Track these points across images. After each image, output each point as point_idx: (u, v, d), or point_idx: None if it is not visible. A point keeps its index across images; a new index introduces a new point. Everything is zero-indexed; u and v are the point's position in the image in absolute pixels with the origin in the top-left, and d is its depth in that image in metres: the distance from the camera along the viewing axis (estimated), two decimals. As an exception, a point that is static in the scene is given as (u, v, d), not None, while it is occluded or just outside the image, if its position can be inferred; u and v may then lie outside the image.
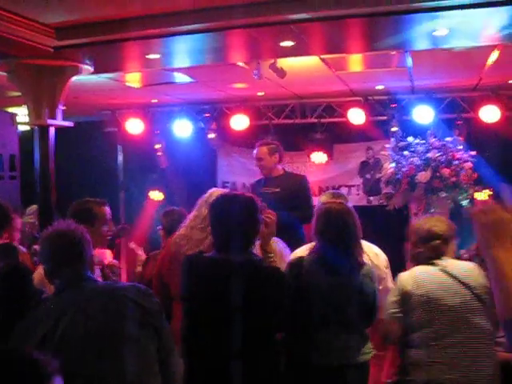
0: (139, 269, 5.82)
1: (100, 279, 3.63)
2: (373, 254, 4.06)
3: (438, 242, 3.52)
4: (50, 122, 5.28)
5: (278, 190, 5.57)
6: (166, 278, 3.79)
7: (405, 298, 3.47)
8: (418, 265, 3.58)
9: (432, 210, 6.87)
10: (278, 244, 3.83)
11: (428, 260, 3.53)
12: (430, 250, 3.55)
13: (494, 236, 1.78)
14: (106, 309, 2.49)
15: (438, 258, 3.52)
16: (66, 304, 2.49)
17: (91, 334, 2.41)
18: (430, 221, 3.64)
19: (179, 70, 6.42)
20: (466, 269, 3.43)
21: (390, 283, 4.00)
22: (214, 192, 3.91)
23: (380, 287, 3.88)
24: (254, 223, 3.07)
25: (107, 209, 4.07)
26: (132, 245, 6.58)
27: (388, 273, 4.10)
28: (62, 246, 2.62)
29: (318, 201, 4.30)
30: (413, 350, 3.43)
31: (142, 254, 6.45)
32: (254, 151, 5.77)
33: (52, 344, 2.37)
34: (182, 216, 4.57)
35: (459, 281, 3.37)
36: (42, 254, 2.70)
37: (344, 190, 8.91)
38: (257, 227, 3.10)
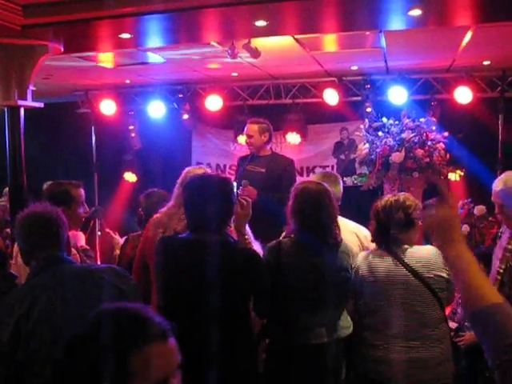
0: (117, 252, 5.79)
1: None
2: (363, 236, 4.10)
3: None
4: (20, 102, 5.17)
5: (263, 170, 5.60)
6: (148, 260, 3.76)
7: (359, 280, 3.50)
8: (379, 248, 3.58)
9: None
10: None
11: (386, 244, 3.51)
12: (392, 237, 3.51)
13: (445, 234, 1.77)
14: (82, 291, 2.47)
15: (399, 245, 3.48)
16: (41, 287, 2.47)
17: (66, 317, 2.39)
18: (393, 201, 3.51)
19: (152, 49, 6.33)
20: (422, 257, 3.40)
21: None
22: (190, 170, 3.90)
23: None
24: (228, 204, 3.06)
25: (82, 191, 4.06)
26: (107, 230, 6.56)
27: None
28: (38, 228, 2.59)
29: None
30: (364, 332, 3.51)
31: (118, 238, 6.42)
32: (246, 127, 5.82)
33: (27, 327, 2.34)
34: (161, 198, 4.55)
35: (410, 270, 3.38)
36: (19, 235, 2.68)
37: (318, 171, 8.93)
38: (231, 208, 3.09)
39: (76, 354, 1.35)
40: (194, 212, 3.04)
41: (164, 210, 3.92)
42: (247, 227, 3.56)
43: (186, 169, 4.04)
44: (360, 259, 3.58)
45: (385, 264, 3.43)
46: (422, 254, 3.41)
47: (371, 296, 3.46)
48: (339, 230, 3.53)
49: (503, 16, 4.50)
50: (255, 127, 5.72)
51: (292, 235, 3.54)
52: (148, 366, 1.32)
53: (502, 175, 3.90)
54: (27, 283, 2.58)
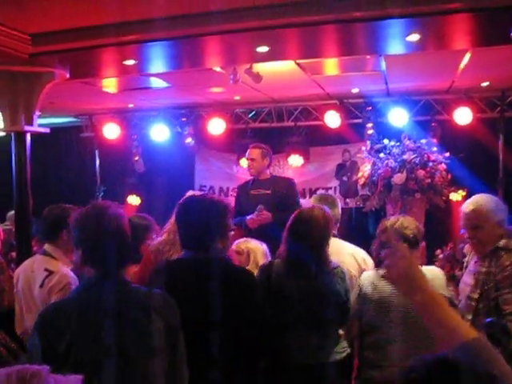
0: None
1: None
2: (360, 258, 4.13)
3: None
4: (26, 128, 5.26)
5: (268, 191, 5.67)
6: None
7: (362, 298, 3.54)
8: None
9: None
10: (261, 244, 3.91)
11: None
12: None
13: (408, 284, 1.80)
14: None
15: None
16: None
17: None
18: (399, 220, 3.60)
19: (155, 75, 6.43)
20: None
21: None
22: (189, 194, 3.95)
23: None
24: (219, 222, 3.06)
25: None
26: None
27: None
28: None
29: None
30: (366, 351, 3.52)
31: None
32: (248, 151, 5.90)
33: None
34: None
35: None
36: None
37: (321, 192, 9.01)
38: (222, 227, 3.09)
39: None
40: (185, 229, 3.09)
41: (166, 228, 3.93)
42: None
43: (187, 194, 4.08)
44: (364, 278, 3.63)
45: (386, 283, 3.47)
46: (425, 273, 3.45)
47: (373, 315, 3.49)
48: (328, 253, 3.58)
49: (500, 40, 4.58)
50: (258, 151, 5.81)
51: (284, 256, 3.57)
52: None
53: (472, 198, 3.69)
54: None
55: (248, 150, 5.93)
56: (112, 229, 2.42)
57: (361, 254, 4.16)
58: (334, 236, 4.11)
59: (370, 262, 4.14)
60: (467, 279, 3.73)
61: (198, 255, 2.99)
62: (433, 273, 3.45)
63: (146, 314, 2.41)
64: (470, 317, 3.43)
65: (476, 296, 3.48)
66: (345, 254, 4.07)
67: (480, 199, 3.59)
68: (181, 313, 2.58)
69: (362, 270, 4.02)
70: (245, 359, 2.99)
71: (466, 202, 3.66)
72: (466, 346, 1.60)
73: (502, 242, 3.47)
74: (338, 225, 4.29)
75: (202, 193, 4.11)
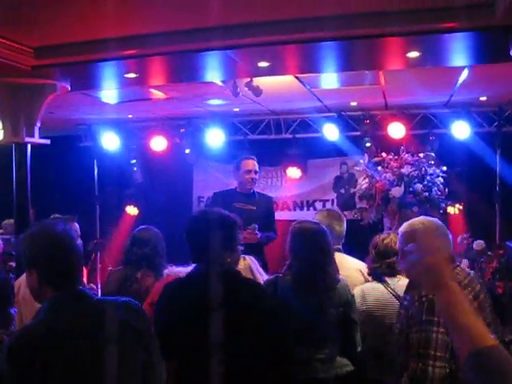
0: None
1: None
2: (366, 273, 4.15)
3: (394, 258, 3.58)
4: (27, 139, 5.28)
5: (254, 208, 5.67)
6: None
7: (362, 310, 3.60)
8: (373, 280, 3.68)
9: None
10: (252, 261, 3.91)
11: (382, 276, 3.60)
12: (386, 266, 3.63)
13: (434, 281, 1.72)
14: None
15: (393, 275, 3.58)
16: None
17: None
18: (390, 236, 3.70)
19: (155, 86, 6.47)
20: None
21: None
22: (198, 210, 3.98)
23: None
24: (229, 235, 3.11)
25: (77, 225, 4.11)
26: (110, 267, 6.62)
27: None
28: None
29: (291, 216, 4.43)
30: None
31: None
32: (249, 162, 5.89)
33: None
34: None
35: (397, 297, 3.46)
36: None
37: (318, 205, 9.03)
38: (232, 241, 3.14)
39: None
40: (194, 243, 3.11)
41: None
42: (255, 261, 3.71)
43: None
44: (362, 289, 3.67)
45: (379, 292, 3.53)
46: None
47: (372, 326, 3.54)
48: (337, 269, 3.61)
49: (498, 58, 4.63)
50: (255, 163, 5.85)
51: (288, 271, 3.61)
52: None
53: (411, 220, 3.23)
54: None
55: (249, 161, 5.91)
56: (66, 245, 2.38)
57: (366, 268, 4.20)
58: (339, 251, 4.16)
59: None
60: None
61: (209, 268, 3.01)
62: None
63: (119, 327, 2.36)
64: None
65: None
66: (350, 268, 4.11)
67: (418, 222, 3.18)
68: (196, 326, 2.60)
69: None
70: (265, 370, 3.00)
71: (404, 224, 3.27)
72: (481, 352, 1.56)
73: None
74: (343, 240, 4.32)
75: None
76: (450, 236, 3.08)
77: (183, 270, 3.56)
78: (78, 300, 2.37)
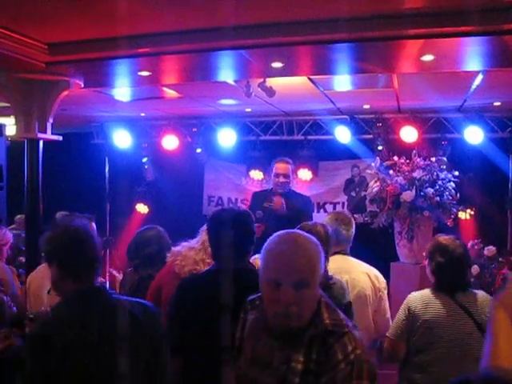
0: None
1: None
2: (374, 276, 4.15)
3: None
4: (39, 135, 5.31)
5: (279, 207, 5.68)
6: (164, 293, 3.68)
7: (412, 318, 3.52)
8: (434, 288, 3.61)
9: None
10: None
11: (448, 286, 3.55)
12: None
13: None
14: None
15: (458, 286, 3.55)
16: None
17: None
18: (455, 244, 3.59)
19: (168, 85, 6.47)
20: (477, 300, 3.46)
21: (387, 303, 4.15)
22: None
23: (380, 307, 4.06)
24: (249, 234, 3.17)
25: (94, 225, 4.14)
26: (111, 269, 6.64)
27: (385, 293, 4.21)
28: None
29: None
30: (412, 372, 3.50)
31: (120, 277, 6.48)
32: (280, 166, 5.89)
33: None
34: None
35: (465, 310, 3.42)
36: None
37: (329, 207, 9.01)
38: (251, 238, 3.19)
39: None
40: (216, 241, 3.15)
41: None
42: None
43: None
44: (413, 298, 3.62)
45: (440, 304, 3.49)
46: (477, 297, 3.49)
47: (423, 335, 3.49)
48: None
49: (512, 63, 4.61)
50: (290, 167, 5.86)
51: None
52: None
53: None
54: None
55: (278, 165, 5.90)
56: (88, 241, 2.53)
57: (373, 271, 4.19)
58: (346, 254, 4.15)
59: (382, 279, 4.18)
60: None
61: (233, 265, 3.02)
62: (483, 297, 3.49)
63: (132, 325, 2.46)
64: None
65: None
66: (358, 272, 4.09)
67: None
68: (219, 323, 2.64)
69: (375, 288, 4.05)
70: None
71: None
72: (491, 372, 1.57)
73: None
74: (351, 244, 4.30)
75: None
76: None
77: (185, 245, 3.68)
78: (97, 294, 2.52)
